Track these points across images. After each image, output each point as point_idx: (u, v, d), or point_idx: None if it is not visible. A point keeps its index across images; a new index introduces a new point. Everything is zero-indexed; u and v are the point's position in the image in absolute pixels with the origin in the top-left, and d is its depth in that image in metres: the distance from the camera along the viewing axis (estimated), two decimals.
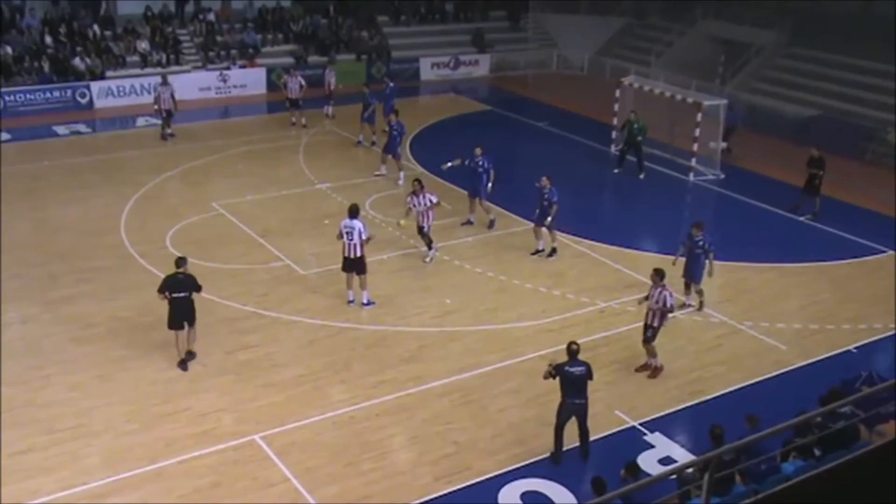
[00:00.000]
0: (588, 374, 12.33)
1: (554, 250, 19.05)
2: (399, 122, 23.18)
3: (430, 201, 18.12)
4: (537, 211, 18.79)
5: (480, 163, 20.06)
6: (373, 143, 25.75)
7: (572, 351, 12.37)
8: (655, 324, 14.63)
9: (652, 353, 14.81)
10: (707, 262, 16.44)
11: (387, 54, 35.64)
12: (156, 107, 26.08)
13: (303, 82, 27.42)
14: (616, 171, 25.15)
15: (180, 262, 14.59)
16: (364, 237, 16.17)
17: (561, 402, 12.36)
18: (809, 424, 10.65)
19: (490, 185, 20.11)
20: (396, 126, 23.08)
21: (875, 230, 21.04)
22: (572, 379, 12.23)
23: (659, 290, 14.50)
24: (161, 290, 14.39)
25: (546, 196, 18.50)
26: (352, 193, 21.94)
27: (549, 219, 18.58)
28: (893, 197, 22.29)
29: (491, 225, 20.33)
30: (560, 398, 12.37)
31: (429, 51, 35.94)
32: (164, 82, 26.17)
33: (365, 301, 16.58)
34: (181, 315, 14.43)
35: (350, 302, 16.64)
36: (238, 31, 34.13)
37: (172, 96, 25.89)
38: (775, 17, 33.76)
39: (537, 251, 19.06)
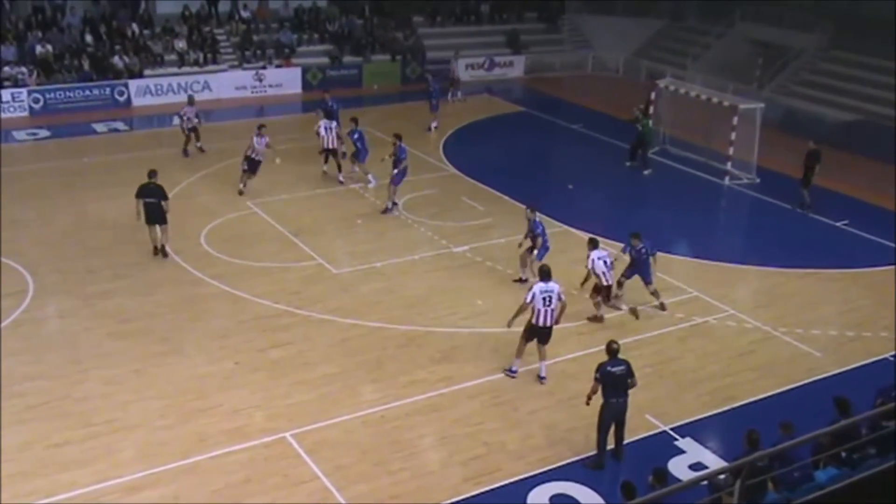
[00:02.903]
0: (628, 372, 12.32)
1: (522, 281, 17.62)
2: (358, 129, 22.81)
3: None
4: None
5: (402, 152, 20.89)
6: (343, 154, 23.83)
7: (613, 350, 12.35)
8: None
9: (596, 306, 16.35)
10: (652, 262, 16.87)
11: (421, 55, 35.73)
12: (181, 126, 24.75)
13: (268, 140, 22.20)
14: (628, 164, 25.38)
15: (152, 174, 18.14)
16: (563, 299, 14.27)
17: (603, 404, 12.30)
18: (843, 432, 10.51)
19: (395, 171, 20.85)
20: (356, 134, 22.74)
21: None
22: (613, 378, 12.20)
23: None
24: (137, 196, 17.85)
25: (530, 227, 17.44)
26: (385, 193, 22.03)
27: (534, 252, 17.39)
28: None
29: (384, 211, 20.98)
30: (602, 400, 12.33)
31: (463, 52, 35.93)
32: (190, 102, 24.97)
33: (543, 374, 14.49)
34: (153, 217, 17.97)
35: (512, 372, 14.54)
36: (274, 30, 34.42)
37: (197, 115, 24.67)
38: (815, 19, 33.33)
39: (518, 279, 17.79)
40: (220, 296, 16.86)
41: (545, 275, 14.28)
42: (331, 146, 22.92)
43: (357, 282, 17.70)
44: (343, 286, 17.53)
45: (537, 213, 17.69)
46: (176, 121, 25.80)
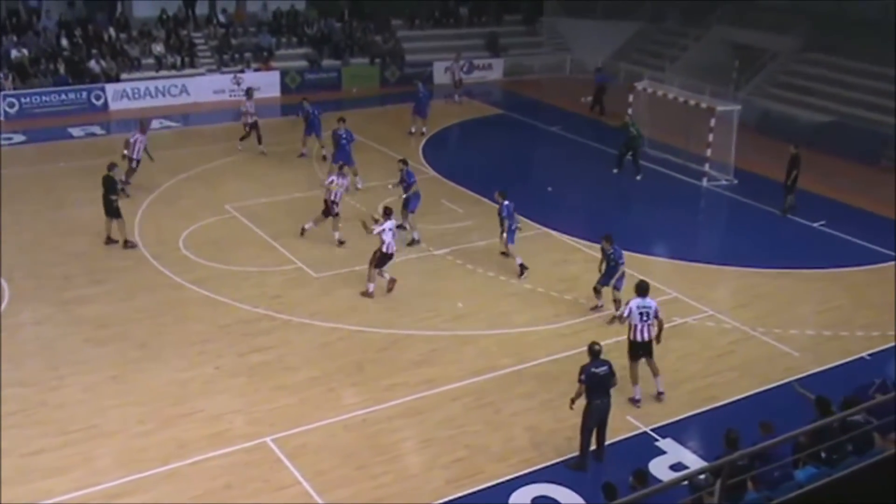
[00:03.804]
0: (611, 372, 12.37)
1: (522, 268, 18.12)
2: (347, 129, 22.83)
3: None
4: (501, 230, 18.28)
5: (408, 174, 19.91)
6: (324, 158, 24.02)
7: (595, 351, 12.39)
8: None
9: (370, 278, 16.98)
10: (620, 271, 16.34)
11: (400, 58, 35.71)
12: (125, 151, 21.61)
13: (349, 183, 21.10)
14: (615, 171, 25.31)
15: (111, 166, 18.93)
16: (660, 317, 13.96)
17: (587, 405, 12.33)
18: (821, 431, 10.60)
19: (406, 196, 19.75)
20: (345, 134, 22.75)
21: (890, 237, 20.89)
22: (597, 379, 12.24)
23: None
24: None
25: (498, 212, 18.02)
26: (364, 197, 22.01)
27: (504, 234, 18.12)
28: None
29: (410, 243, 19.53)
30: (586, 402, 12.34)
31: (442, 55, 35.92)
32: (142, 129, 22.21)
33: (661, 389, 14.23)
34: (105, 209, 18.58)
35: (636, 401, 14.02)
36: (252, 34, 34.29)
37: (146, 148, 21.97)
38: (791, 22, 33.64)
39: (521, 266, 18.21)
40: (199, 300, 16.76)
41: (643, 291, 13.96)
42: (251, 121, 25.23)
43: (337, 285, 17.65)
44: (323, 290, 17.48)
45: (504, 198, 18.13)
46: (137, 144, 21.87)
